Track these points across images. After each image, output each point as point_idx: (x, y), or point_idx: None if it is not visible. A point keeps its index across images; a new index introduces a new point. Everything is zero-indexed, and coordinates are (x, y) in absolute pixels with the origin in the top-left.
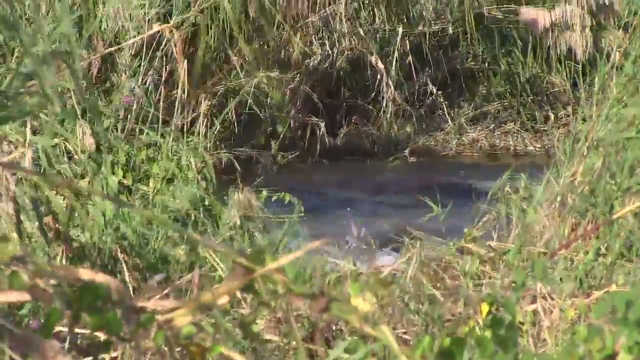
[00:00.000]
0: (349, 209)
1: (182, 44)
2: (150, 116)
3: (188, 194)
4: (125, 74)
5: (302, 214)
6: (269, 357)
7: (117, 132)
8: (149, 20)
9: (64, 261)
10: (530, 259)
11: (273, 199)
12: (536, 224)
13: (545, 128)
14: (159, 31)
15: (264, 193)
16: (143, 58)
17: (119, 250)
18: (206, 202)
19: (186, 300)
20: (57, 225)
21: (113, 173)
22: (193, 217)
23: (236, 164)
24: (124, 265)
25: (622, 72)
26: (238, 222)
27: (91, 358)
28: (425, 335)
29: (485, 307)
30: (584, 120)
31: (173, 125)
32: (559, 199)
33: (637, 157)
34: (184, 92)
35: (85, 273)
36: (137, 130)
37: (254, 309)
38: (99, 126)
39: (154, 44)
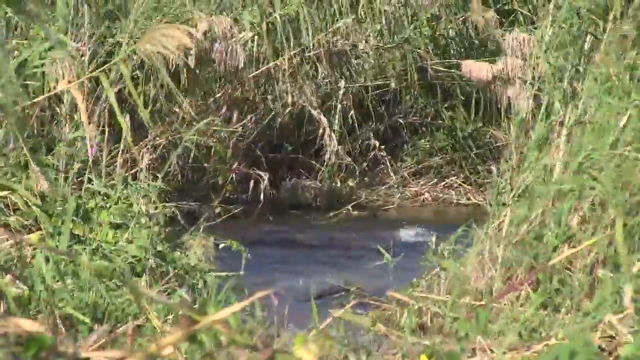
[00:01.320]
0: (291, 263)
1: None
2: (87, 170)
3: (141, 240)
4: (66, 126)
5: (242, 270)
6: None
7: (64, 182)
8: (87, 70)
9: None
10: (464, 309)
11: (220, 246)
12: (469, 274)
13: (489, 181)
14: (98, 84)
15: (212, 239)
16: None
17: (53, 303)
18: (158, 248)
19: (132, 351)
20: None
21: (62, 223)
22: (150, 262)
23: (179, 217)
24: (57, 317)
25: (537, 121)
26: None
27: None
28: None
29: (424, 359)
30: (505, 170)
31: (118, 174)
32: (487, 248)
33: (570, 208)
34: (125, 146)
35: (30, 324)
36: (84, 179)
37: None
38: (46, 177)
39: (94, 97)
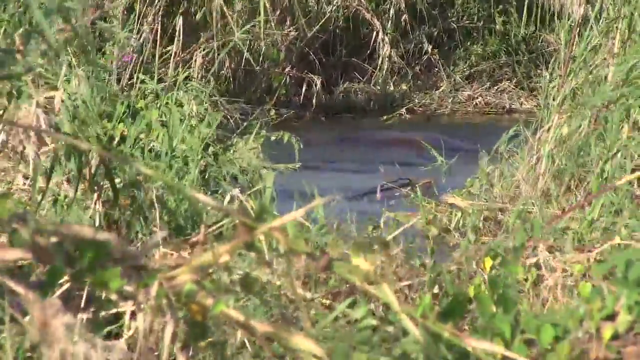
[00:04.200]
0: (344, 162)
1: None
2: (138, 71)
3: (193, 140)
4: (119, 28)
5: (299, 165)
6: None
7: (114, 84)
8: None
9: (99, 208)
10: (526, 219)
11: (272, 138)
12: (521, 177)
13: (541, 85)
14: None
15: (264, 132)
16: (137, 14)
17: (155, 200)
18: (210, 149)
19: (188, 259)
20: (90, 173)
21: (113, 124)
22: (201, 163)
23: (231, 121)
24: (157, 215)
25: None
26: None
27: (91, 315)
28: (426, 295)
29: (488, 262)
30: (551, 76)
31: (169, 74)
32: (536, 152)
33: (621, 119)
34: (178, 48)
35: (87, 231)
36: (134, 80)
37: (254, 267)
38: (97, 79)
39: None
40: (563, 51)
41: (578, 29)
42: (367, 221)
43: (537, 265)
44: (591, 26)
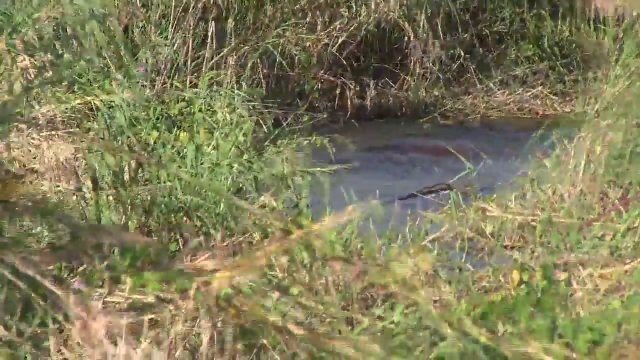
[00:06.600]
0: (377, 167)
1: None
2: (172, 77)
3: (226, 147)
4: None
5: (334, 169)
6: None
7: (148, 90)
8: None
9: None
10: (559, 227)
11: (304, 143)
12: (562, 189)
13: (575, 91)
14: None
15: (297, 137)
16: (171, 21)
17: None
18: (244, 156)
19: (225, 263)
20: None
21: (146, 130)
22: (235, 170)
23: (264, 126)
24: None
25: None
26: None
27: (131, 318)
28: (462, 302)
29: (516, 275)
30: (588, 81)
31: (202, 80)
32: (572, 159)
33: None
34: (211, 53)
35: (126, 235)
36: (168, 86)
37: (291, 273)
38: (132, 85)
39: (182, 5)
40: (609, 56)
41: (619, 42)
42: (401, 225)
43: (567, 283)
44: (636, 32)
